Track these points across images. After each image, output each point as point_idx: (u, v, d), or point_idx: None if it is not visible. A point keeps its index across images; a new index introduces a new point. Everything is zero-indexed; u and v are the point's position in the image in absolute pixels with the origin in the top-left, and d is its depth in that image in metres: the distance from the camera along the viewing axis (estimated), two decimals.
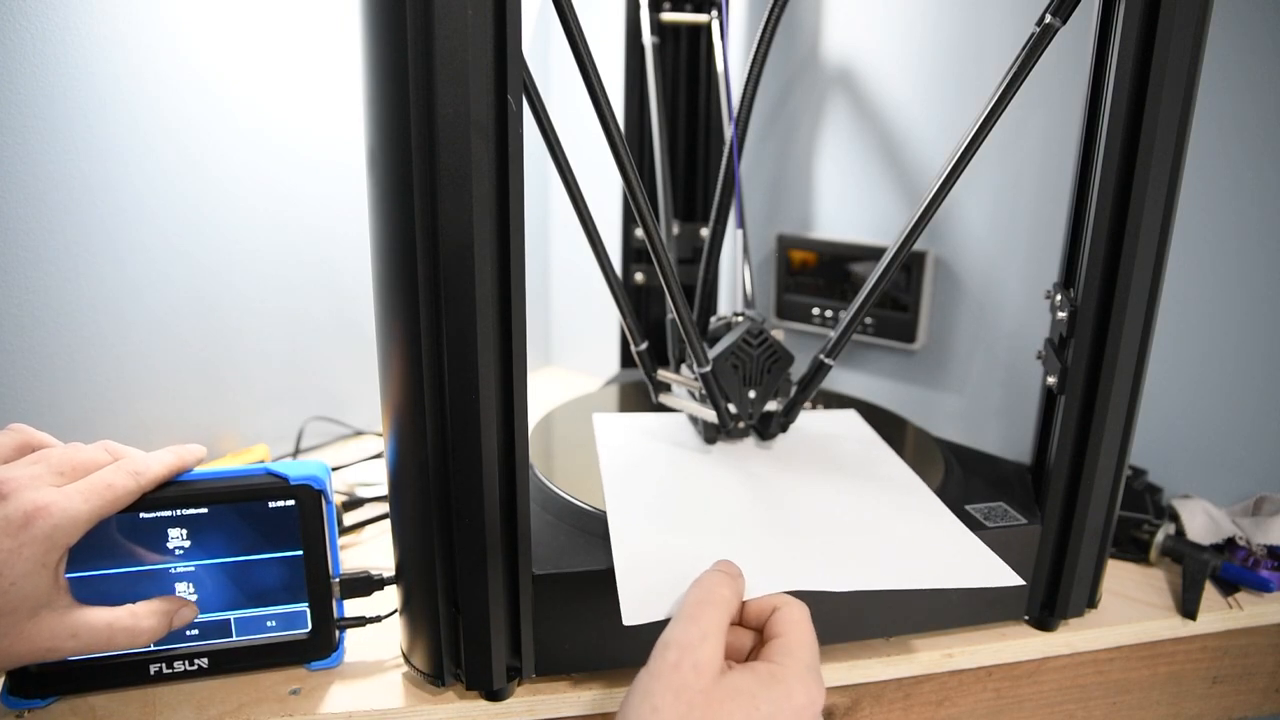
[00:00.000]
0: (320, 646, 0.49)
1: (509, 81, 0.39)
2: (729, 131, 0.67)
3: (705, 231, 0.72)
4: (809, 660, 0.37)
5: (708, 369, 0.56)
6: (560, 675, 0.49)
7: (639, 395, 0.75)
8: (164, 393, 0.68)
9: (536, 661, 0.48)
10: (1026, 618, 0.56)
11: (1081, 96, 0.52)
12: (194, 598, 0.46)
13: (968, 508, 0.56)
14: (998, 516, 0.55)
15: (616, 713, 0.35)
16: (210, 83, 0.67)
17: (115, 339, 0.64)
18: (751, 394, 0.59)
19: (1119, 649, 0.57)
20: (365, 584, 0.50)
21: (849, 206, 0.85)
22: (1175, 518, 0.66)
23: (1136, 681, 0.59)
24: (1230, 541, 0.63)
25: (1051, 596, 0.55)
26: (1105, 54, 0.49)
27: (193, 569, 0.46)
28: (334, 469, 0.67)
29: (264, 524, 0.46)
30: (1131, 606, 0.58)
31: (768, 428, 0.62)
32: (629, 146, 0.53)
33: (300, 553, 0.47)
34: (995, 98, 0.50)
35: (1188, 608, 0.57)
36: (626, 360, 0.89)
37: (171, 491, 0.45)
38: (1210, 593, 0.60)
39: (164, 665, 0.47)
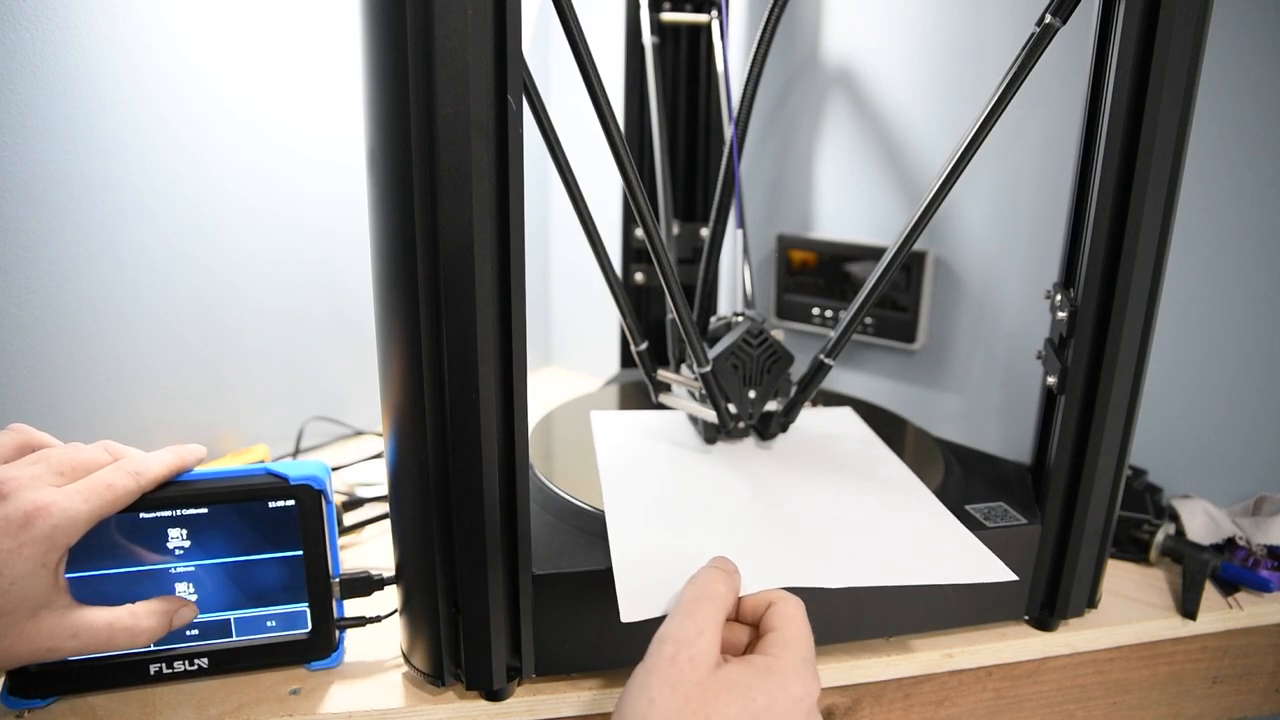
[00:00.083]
0: (320, 646, 0.49)
1: (509, 81, 0.39)
2: (729, 131, 0.67)
3: (705, 231, 0.72)
4: (804, 653, 0.37)
5: (708, 369, 0.56)
6: (560, 675, 0.49)
7: (639, 395, 0.75)
8: (164, 393, 0.68)
9: (536, 661, 0.48)
10: (1026, 618, 0.56)
11: (1081, 96, 0.52)
12: (194, 598, 0.46)
13: (968, 508, 0.56)
14: (998, 516, 0.55)
15: (614, 709, 0.35)
16: (210, 83, 0.67)
17: (115, 339, 0.64)
18: (751, 394, 0.59)
19: (1119, 649, 0.57)
20: (365, 584, 0.50)
21: (849, 206, 0.85)
22: (1175, 518, 0.66)
23: (1136, 681, 0.59)
24: (1230, 541, 0.63)
25: (1051, 596, 0.55)
26: (1105, 54, 0.49)
27: (193, 569, 0.46)
28: (334, 469, 0.67)
29: (264, 524, 0.46)
30: (1131, 606, 0.58)
31: (768, 428, 0.62)
32: (629, 146, 0.53)
33: (300, 553, 0.47)
34: (995, 98, 0.50)
35: (1188, 608, 0.57)
36: (626, 360, 0.89)
37: (171, 491, 0.45)
38: (1210, 593, 0.60)
39: (164, 665, 0.47)
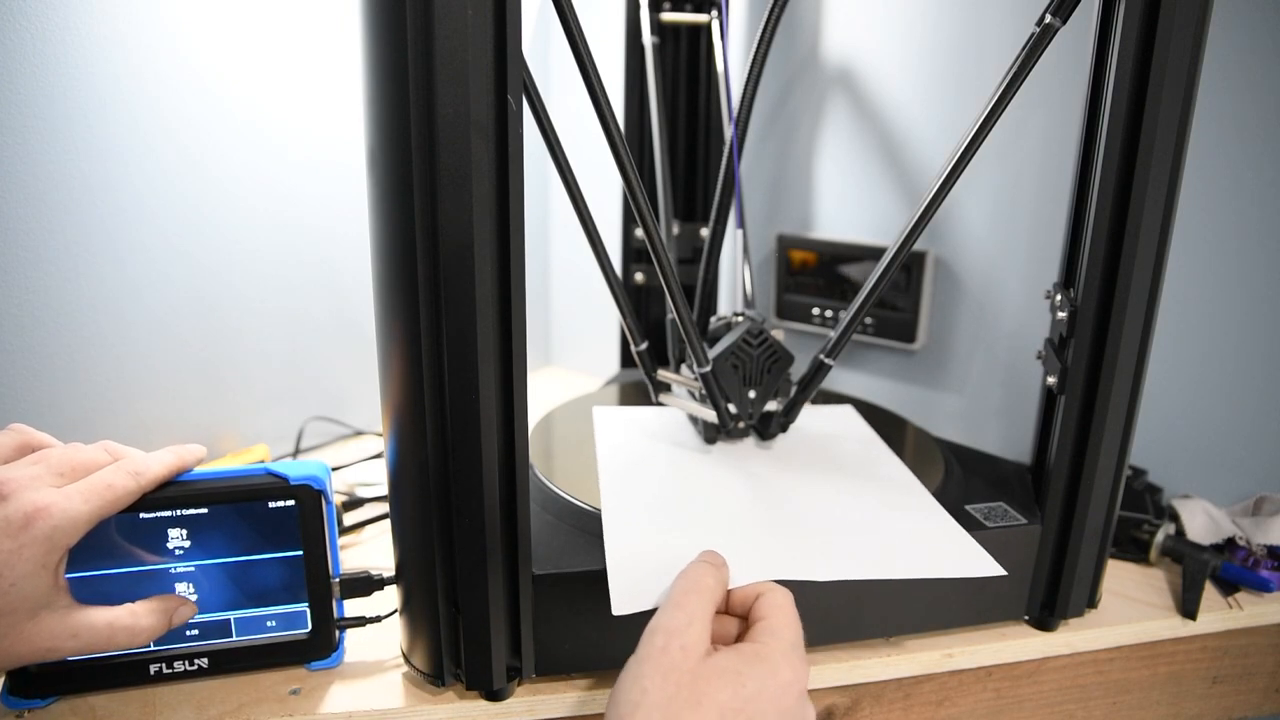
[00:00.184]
0: (320, 646, 0.49)
1: (509, 81, 0.39)
2: (729, 131, 0.67)
3: (705, 231, 0.72)
4: (793, 639, 0.38)
5: (708, 369, 0.56)
6: (560, 675, 0.49)
7: (639, 395, 0.75)
8: (164, 393, 0.68)
9: (536, 661, 0.48)
10: (1026, 618, 0.56)
11: (1081, 96, 0.52)
12: (194, 598, 0.46)
13: (968, 508, 0.56)
14: (998, 516, 0.55)
15: (608, 701, 0.36)
16: (210, 83, 0.67)
17: (115, 339, 0.64)
18: (751, 394, 0.59)
19: (1119, 649, 0.57)
20: (365, 584, 0.50)
21: (849, 206, 0.85)
22: (1175, 518, 0.66)
23: (1136, 681, 0.59)
24: (1230, 541, 0.63)
25: (1051, 596, 0.55)
26: (1105, 54, 0.49)
27: (193, 569, 0.46)
28: (334, 469, 0.67)
29: (264, 524, 0.46)
30: (1131, 606, 0.58)
31: (768, 428, 0.62)
32: (629, 146, 0.53)
33: (300, 553, 0.47)
34: (995, 98, 0.50)
35: (1188, 608, 0.57)
36: (626, 360, 0.89)
37: (171, 491, 0.45)
38: (1210, 593, 0.60)
39: (164, 665, 0.47)
